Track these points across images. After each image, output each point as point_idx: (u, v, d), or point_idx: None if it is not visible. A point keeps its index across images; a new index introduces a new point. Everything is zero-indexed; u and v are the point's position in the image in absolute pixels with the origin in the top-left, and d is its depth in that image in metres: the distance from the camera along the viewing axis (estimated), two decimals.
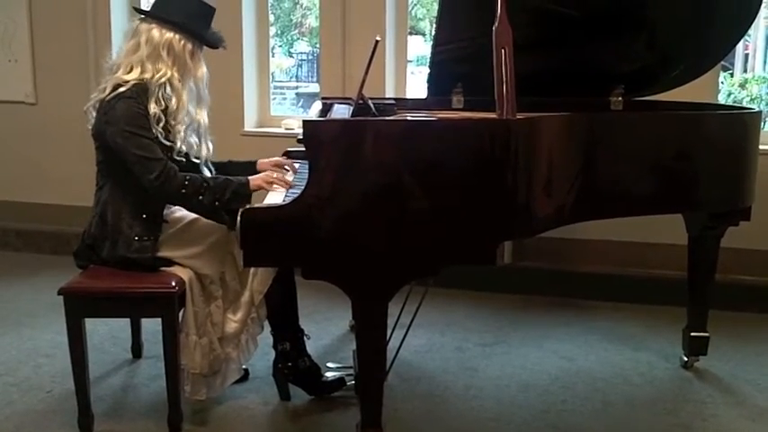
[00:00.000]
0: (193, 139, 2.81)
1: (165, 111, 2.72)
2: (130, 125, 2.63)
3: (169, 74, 2.72)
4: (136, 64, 2.71)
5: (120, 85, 2.68)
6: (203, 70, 2.83)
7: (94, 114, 2.75)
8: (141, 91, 2.68)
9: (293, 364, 2.94)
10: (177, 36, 2.74)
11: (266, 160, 3.02)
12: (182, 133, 2.75)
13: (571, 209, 2.68)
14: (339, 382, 3.01)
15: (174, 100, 2.73)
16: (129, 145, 2.62)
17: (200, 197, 2.64)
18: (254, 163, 3.00)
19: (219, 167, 2.94)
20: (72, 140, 4.87)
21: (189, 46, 2.76)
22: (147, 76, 2.70)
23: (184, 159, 2.79)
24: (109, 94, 2.69)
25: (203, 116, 2.85)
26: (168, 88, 2.72)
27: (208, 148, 2.88)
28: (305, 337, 3.00)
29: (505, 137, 2.37)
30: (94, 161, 2.83)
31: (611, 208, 2.87)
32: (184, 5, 2.76)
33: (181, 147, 2.76)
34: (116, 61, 2.79)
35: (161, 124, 2.69)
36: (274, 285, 2.84)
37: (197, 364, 2.79)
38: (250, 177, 2.74)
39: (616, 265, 4.24)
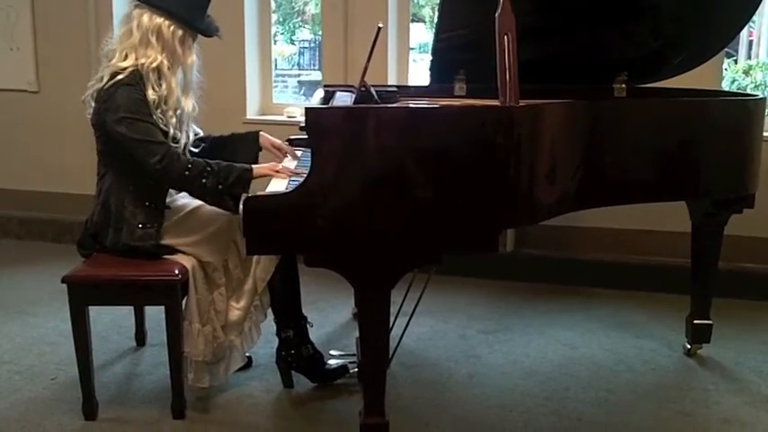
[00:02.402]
0: (176, 125, 2.79)
1: (160, 97, 2.72)
2: (130, 111, 2.63)
3: (159, 59, 2.71)
4: (130, 51, 2.71)
5: (117, 73, 2.68)
6: (193, 58, 2.81)
7: (93, 104, 2.75)
8: (138, 78, 2.68)
9: (296, 352, 2.95)
10: (167, 22, 2.72)
11: (269, 137, 3.04)
12: (173, 119, 2.75)
13: (574, 196, 2.68)
14: (342, 369, 3.01)
15: (164, 86, 2.73)
16: (130, 131, 2.62)
17: (204, 180, 2.63)
18: (257, 134, 3.03)
19: (223, 140, 2.98)
20: (74, 129, 4.85)
21: (179, 32, 2.74)
22: (142, 61, 2.69)
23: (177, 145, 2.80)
24: (107, 82, 2.68)
25: (188, 104, 2.83)
26: (159, 74, 2.72)
27: (188, 136, 2.86)
28: (308, 325, 3.00)
29: (508, 124, 2.36)
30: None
31: (614, 195, 2.86)
32: None
33: (175, 133, 2.76)
34: (111, 48, 2.78)
35: (159, 110, 2.70)
36: (277, 273, 2.85)
37: (200, 352, 2.79)
38: (254, 165, 2.74)
39: (619, 253, 4.24)
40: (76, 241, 2.87)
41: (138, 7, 2.75)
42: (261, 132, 3.06)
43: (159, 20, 2.71)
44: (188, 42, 2.79)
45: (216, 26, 2.85)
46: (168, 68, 2.73)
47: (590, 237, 4.27)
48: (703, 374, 3.21)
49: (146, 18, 2.71)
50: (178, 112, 2.78)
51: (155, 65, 2.70)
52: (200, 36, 2.83)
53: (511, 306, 3.97)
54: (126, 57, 2.70)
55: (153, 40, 2.70)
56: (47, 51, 4.99)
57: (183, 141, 2.83)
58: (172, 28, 2.73)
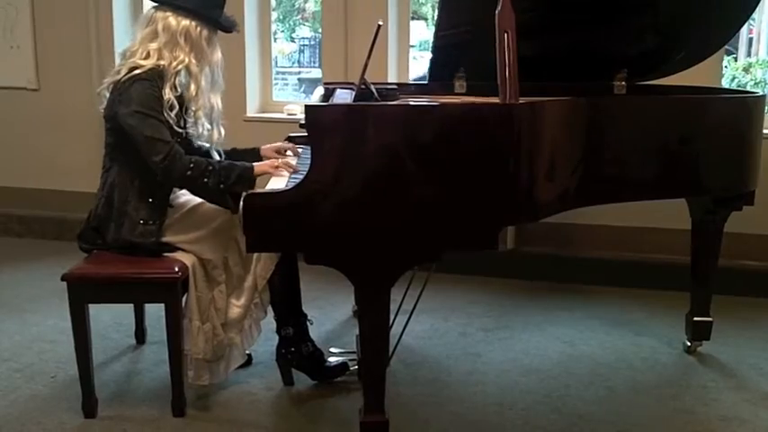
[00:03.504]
0: (207, 124, 2.83)
1: (180, 98, 2.73)
2: (143, 106, 2.64)
3: (187, 60, 2.74)
4: (153, 51, 2.72)
5: (135, 68, 2.69)
6: (219, 55, 2.85)
7: (107, 96, 2.76)
8: (157, 75, 2.70)
9: (296, 350, 2.95)
10: (194, 23, 2.74)
11: (268, 146, 3.03)
12: (202, 119, 2.78)
13: (574, 194, 2.68)
14: (342, 367, 3.01)
15: (192, 86, 2.76)
16: (140, 125, 2.63)
17: (205, 179, 2.64)
18: (258, 150, 3.01)
19: (225, 154, 2.95)
20: (74, 126, 4.88)
21: (205, 32, 2.77)
22: (164, 62, 2.71)
23: (207, 144, 2.84)
24: (124, 75, 2.69)
25: (217, 101, 2.87)
26: (185, 75, 2.75)
27: (220, 133, 2.90)
28: (308, 322, 3.00)
29: (508, 122, 2.36)
30: (97, 146, 2.84)
31: (614, 193, 2.86)
32: None
33: (202, 132, 2.79)
34: (131, 48, 2.79)
35: (174, 111, 2.70)
36: (277, 270, 2.85)
37: (200, 350, 2.79)
38: (255, 163, 2.74)
39: (618, 250, 4.24)
40: (77, 234, 2.87)
41: (159, 9, 2.76)
42: (261, 147, 3.04)
43: (186, 21, 2.73)
44: (213, 40, 2.82)
45: (233, 20, 2.88)
46: (196, 67, 2.76)
47: (590, 234, 4.27)
48: (703, 372, 3.21)
49: (172, 20, 2.73)
50: (206, 109, 2.81)
51: (181, 66, 2.73)
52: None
53: (510, 304, 3.97)
54: (148, 56, 2.72)
55: (181, 41, 2.72)
56: (47, 49, 4.99)
57: (215, 138, 2.86)
58: (199, 28, 2.75)
